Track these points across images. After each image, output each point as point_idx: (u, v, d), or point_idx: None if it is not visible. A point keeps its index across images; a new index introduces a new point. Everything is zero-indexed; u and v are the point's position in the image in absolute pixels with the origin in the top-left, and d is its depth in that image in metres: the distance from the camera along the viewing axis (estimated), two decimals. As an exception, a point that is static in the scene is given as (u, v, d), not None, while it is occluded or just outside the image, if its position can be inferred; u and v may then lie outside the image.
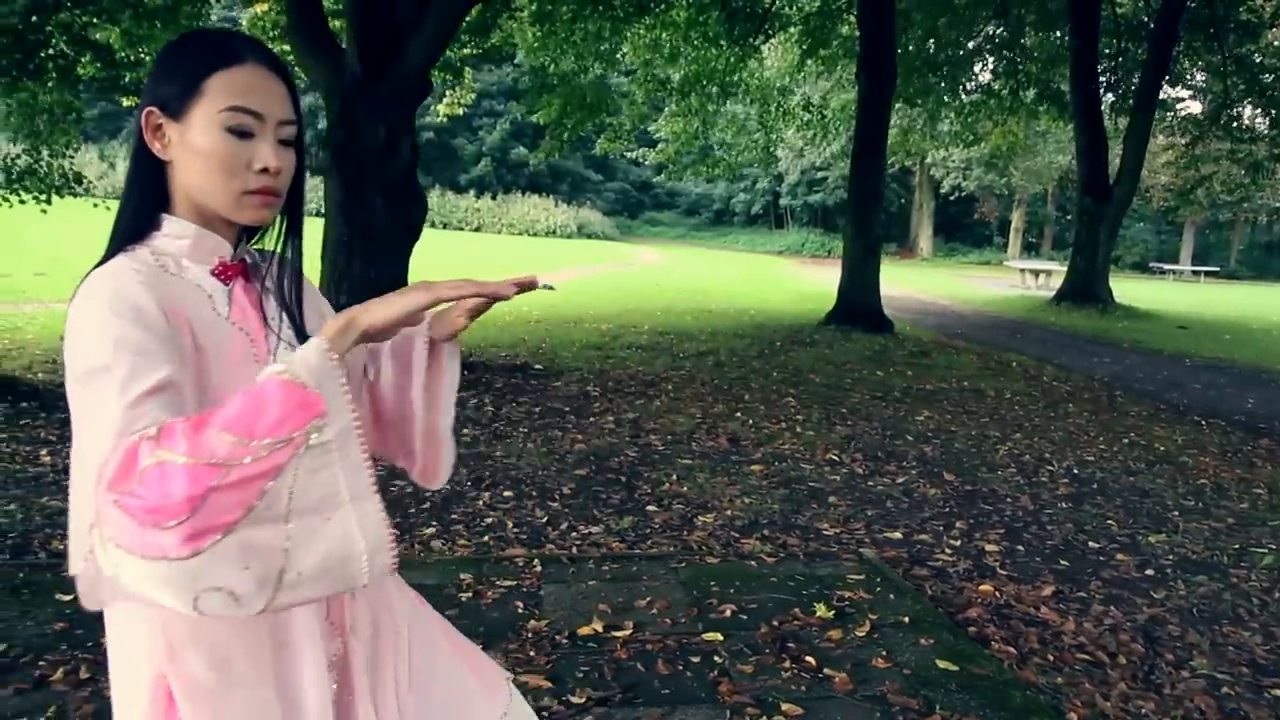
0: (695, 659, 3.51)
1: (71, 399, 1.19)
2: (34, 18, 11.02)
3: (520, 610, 3.93)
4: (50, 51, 11.52)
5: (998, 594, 4.44)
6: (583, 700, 3.18)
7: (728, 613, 3.93)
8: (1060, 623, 4.14)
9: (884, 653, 3.59)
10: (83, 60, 11.99)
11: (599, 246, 44.94)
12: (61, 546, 4.88)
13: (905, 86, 19.67)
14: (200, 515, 1.03)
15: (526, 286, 1.41)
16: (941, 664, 3.50)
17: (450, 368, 1.60)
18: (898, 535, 5.35)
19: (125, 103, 16.03)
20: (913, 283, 29.68)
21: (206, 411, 1.09)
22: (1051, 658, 3.74)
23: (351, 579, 1.12)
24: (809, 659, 3.50)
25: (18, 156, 12.20)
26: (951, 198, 47.61)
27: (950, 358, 12.96)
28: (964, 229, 51.77)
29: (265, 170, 1.34)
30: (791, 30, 19.07)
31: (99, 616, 3.76)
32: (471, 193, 51.25)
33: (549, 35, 15.57)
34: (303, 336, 1.45)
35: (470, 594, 4.08)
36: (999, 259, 45.76)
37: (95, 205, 14.90)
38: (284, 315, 1.47)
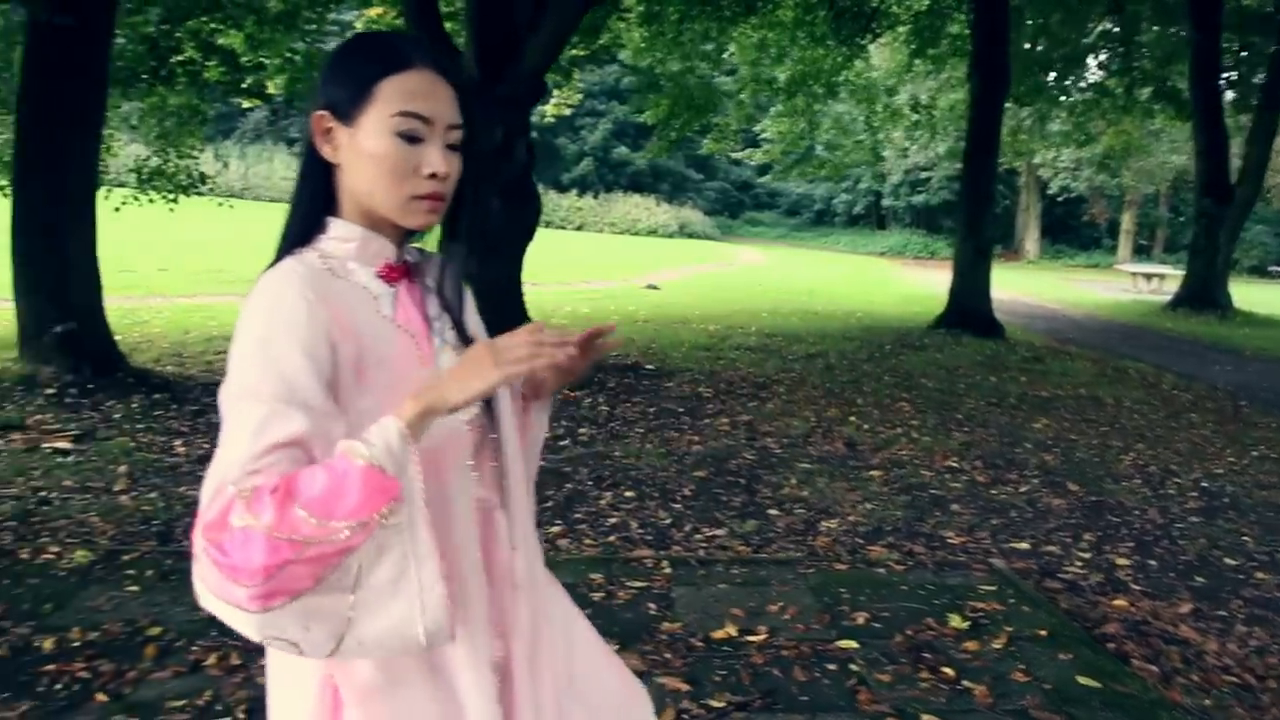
0: (831, 666, 3.51)
1: (221, 403, 1.24)
2: (166, 25, 11.43)
3: (653, 612, 3.97)
4: (180, 57, 11.93)
5: (1134, 610, 4.35)
6: (722, 704, 3.20)
7: (860, 620, 3.92)
8: (1201, 642, 4.04)
9: (1022, 666, 3.55)
10: (209, 64, 12.39)
11: (700, 246, 44.92)
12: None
13: (1015, 85, 19.30)
14: (273, 582, 1.10)
15: (595, 336, 1.45)
16: (1083, 680, 3.44)
17: (538, 422, 1.65)
18: (1025, 546, 5.27)
19: (244, 105, 16.53)
20: (1019, 286, 29.09)
21: (295, 479, 1.13)
22: (1196, 678, 3.65)
23: (408, 650, 1.20)
24: (946, 670, 3.48)
25: (148, 158, 12.66)
26: (1059, 199, 46.52)
27: (1064, 364, 12.69)
28: (1071, 231, 50.51)
29: (434, 175, 1.35)
30: (899, 29, 18.86)
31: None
32: (574, 192, 51.66)
33: (656, 36, 15.63)
34: (464, 339, 1.47)
35: (602, 594, 4.14)
36: (1108, 262, 44.60)
37: (220, 204, 15.50)
38: (446, 316, 1.49)
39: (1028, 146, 28.40)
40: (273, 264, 1.36)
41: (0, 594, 4.14)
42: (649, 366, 10.79)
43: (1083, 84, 23.49)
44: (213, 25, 12.14)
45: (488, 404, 1.46)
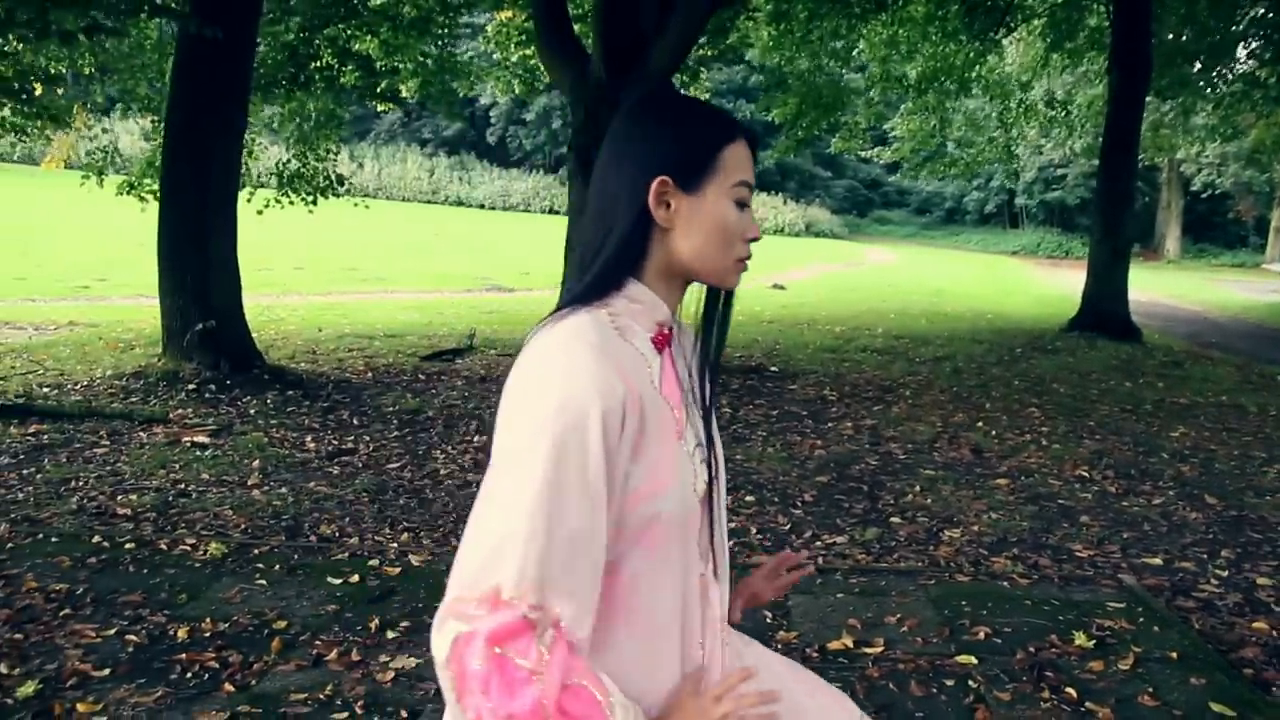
0: (949, 682, 3.46)
1: (498, 452, 1.25)
2: (305, 33, 11.81)
3: (769, 620, 3.96)
4: (318, 64, 12.31)
5: (1275, 633, 4.16)
6: None
7: (981, 635, 3.85)
8: (1348, 669, 3.84)
9: (1150, 689, 3.44)
10: (345, 70, 12.76)
11: (827, 245, 44.52)
12: (329, 531, 5.24)
13: (1158, 78, 18.59)
14: None
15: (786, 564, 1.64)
16: (1216, 707, 3.31)
17: None
18: (1157, 561, 5.09)
19: (380, 108, 16.98)
20: (1159, 286, 28.08)
21: (580, 672, 1.19)
22: (1341, 708, 3.48)
23: None
24: (1069, 690, 3.39)
25: (288, 161, 13.11)
26: (1202, 195, 44.65)
27: (1205, 369, 12.20)
28: (1215, 229, 48.42)
29: (752, 239, 1.40)
30: (1035, 23, 18.33)
31: (376, 600, 3.98)
32: (700, 192, 51.66)
33: (785, 34, 15.52)
34: (708, 413, 1.46)
35: (718, 601, 4.14)
36: (1254, 261, 42.69)
37: (355, 204, 15.97)
38: (695, 394, 1.46)
39: (1170, 142, 27.30)
40: (560, 309, 1.36)
41: (139, 583, 4.36)
42: (773, 368, 10.74)
43: (1230, 75, 22.46)
44: (350, 32, 12.50)
45: (710, 479, 1.46)
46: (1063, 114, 21.73)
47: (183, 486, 5.98)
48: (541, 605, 1.16)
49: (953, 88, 18.56)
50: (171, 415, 7.68)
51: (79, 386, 8.56)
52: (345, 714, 3.24)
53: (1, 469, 6.23)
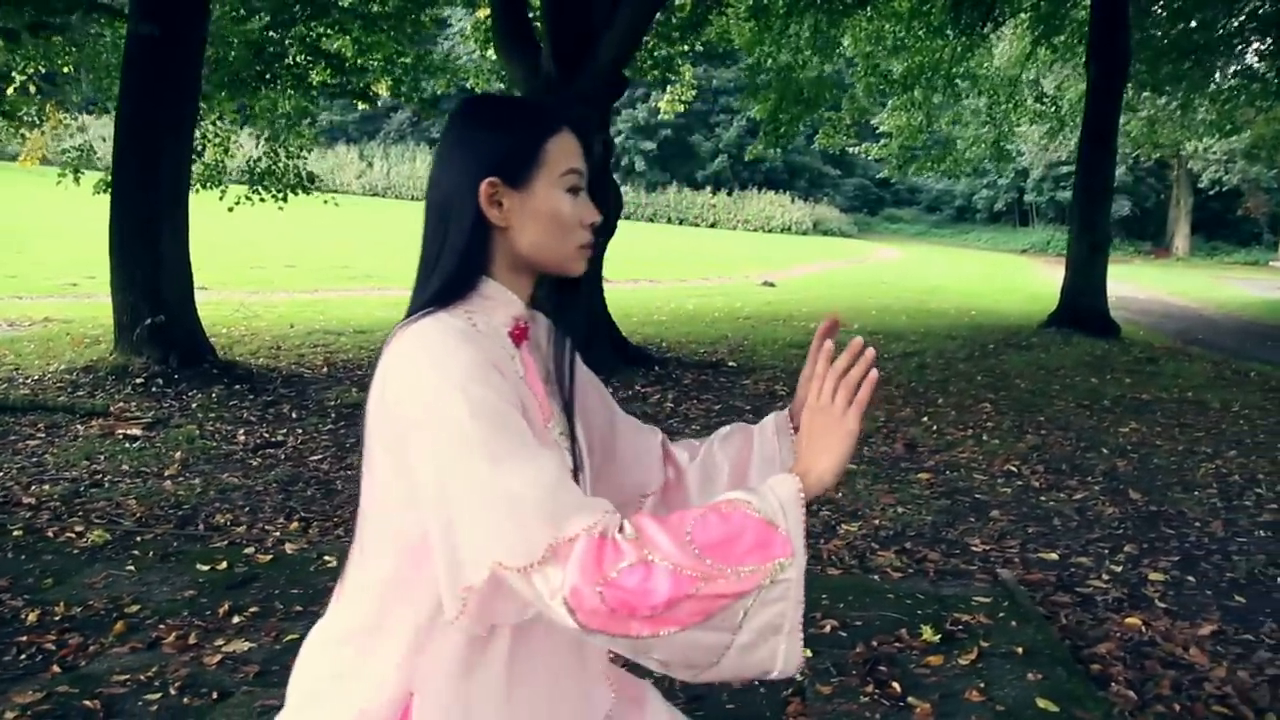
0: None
1: (422, 451, 1.23)
2: (272, 31, 11.82)
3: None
4: (287, 61, 12.32)
5: (1144, 629, 4.08)
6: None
7: (827, 629, 3.79)
8: (1209, 667, 3.75)
9: (981, 685, 3.37)
10: (316, 68, 12.77)
11: (834, 244, 44.37)
12: (223, 520, 5.23)
13: (1152, 73, 18.41)
14: (670, 614, 1.16)
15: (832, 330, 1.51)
16: (1042, 703, 3.24)
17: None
18: (1054, 556, 5.01)
19: (360, 106, 16.98)
20: (1163, 284, 27.86)
21: (681, 520, 1.21)
22: (1179, 707, 3.39)
23: (757, 676, 1.25)
24: (894, 685, 3.33)
25: (259, 159, 13.13)
26: (1211, 192, 44.21)
27: (1179, 365, 12.06)
28: (1228, 226, 47.92)
29: (591, 224, 1.42)
30: (1021, 17, 18.17)
31: (236, 586, 3.92)
32: (708, 189, 51.61)
33: (764, 30, 15.43)
34: (569, 406, 1.45)
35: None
36: (1267, 259, 42.27)
37: (325, 202, 15.99)
38: (555, 387, 1.46)
39: (1170, 138, 27.02)
40: (410, 315, 1.35)
41: (12, 568, 4.40)
42: (731, 364, 10.68)
43: (1229, 70, 22.24)
44: (320, 30, 12.50)
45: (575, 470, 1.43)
46: (1052, 109, 21.56)
47: (99, 477, 6.00)
48: (587, 524, 1.17)
49: (940, 83, 18.42)
50: (113, 408, 7.70)
51: (29, 381, 8.59)
52: (159, 694, 3.24)
53: (-77, 459, 6.28)
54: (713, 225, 49.41)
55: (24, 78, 12.19)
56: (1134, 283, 27.24)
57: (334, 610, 1.43)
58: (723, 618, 1.18)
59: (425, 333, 1.29)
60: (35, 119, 12.52)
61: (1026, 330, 14.55)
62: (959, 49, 17.61)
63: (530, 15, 10.66)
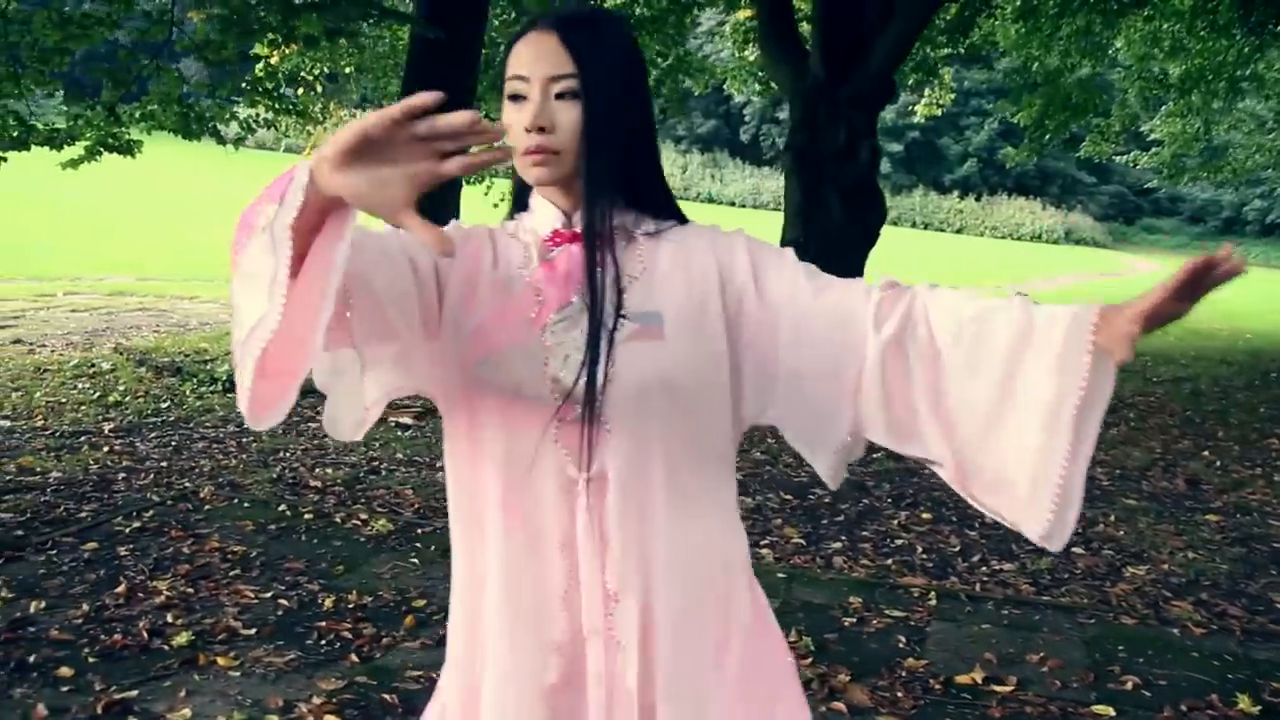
0: (1079, 732, 3.22)
1: None
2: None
3: (901, 645, 3.80)
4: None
5: None
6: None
7: (1129, 685, 3.55)
8: None
9: (1313, 766, 3.08)
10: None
11: (1087, 254, 42.30)
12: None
13: None
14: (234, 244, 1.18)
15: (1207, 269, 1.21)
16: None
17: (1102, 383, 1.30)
18: (1377, 623, 4.55)
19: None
20: None
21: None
22: None
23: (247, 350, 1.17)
24: (1213, 757, 3.09)
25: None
26: None
27: None
28: None
29: (530, 130, 1.33)
30: (1327, 14, 16.68)
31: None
32: (955, 193, 50.16)
33: (1033, 32, 14.77)
34: (595, 324, 1.35)
35: (854, 620, 4.01)
36: None
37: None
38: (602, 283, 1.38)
39: None
40: None
41: (306, 551, 4.64)
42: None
43: None
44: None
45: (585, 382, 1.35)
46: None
47: (376, 464, 6.30)
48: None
49: (1222, 87, 17.12)
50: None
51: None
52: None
53: (225, 436, 6.77)
54: (959, 231, 47.96)
55: (312, 77, 13.08)
56: None
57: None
58: (243, 256, 1.17)
59: None
60: (320, 116, 13.34)
61: (1315, 359, 13.43)
62: (1245, 49, 16.32)
63: (795, 17, 10.58)
